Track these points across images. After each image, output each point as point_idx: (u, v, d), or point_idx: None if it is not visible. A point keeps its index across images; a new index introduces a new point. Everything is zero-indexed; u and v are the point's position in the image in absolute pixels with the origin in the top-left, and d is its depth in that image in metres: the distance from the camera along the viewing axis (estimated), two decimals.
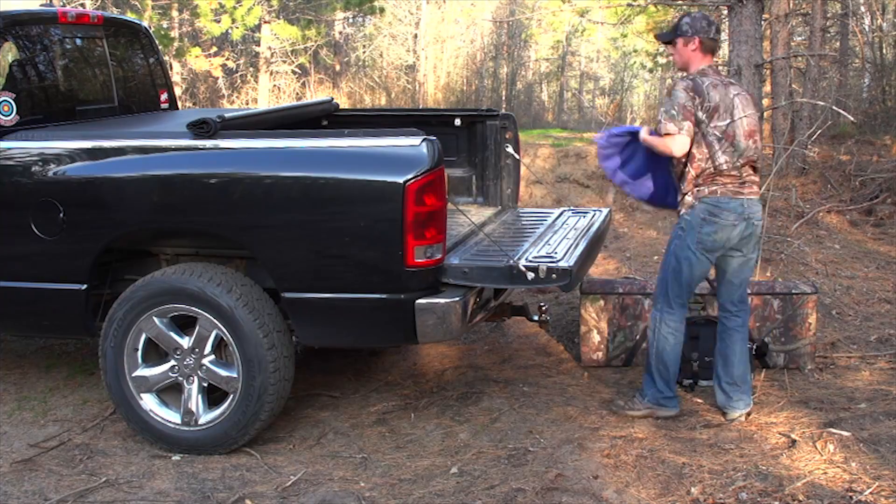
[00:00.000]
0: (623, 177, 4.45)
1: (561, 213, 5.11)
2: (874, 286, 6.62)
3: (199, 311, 3.90)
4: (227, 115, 4.12)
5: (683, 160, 4.13)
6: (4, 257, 4.21)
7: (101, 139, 4.10)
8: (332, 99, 5.73)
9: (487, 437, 4.16)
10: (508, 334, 5.62)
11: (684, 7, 10.13)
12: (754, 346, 4.78)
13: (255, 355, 3.85)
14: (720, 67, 16.40)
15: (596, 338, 4.99)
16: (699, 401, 4.53)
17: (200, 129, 3.89)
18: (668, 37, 4.29)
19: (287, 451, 4.10)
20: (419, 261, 3.73)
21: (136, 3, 14.22)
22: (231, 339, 3.88)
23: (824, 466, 3.72)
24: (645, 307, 4.95)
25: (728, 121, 4.06)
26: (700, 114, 4.05)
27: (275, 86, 16.89)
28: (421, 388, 4.82)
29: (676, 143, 4.05)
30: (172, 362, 4.03)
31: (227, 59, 16.39)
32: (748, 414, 4.28)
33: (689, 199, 4.16)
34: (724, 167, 4.08)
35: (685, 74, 4.21)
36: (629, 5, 10.81)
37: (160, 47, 6.32)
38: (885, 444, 3.89)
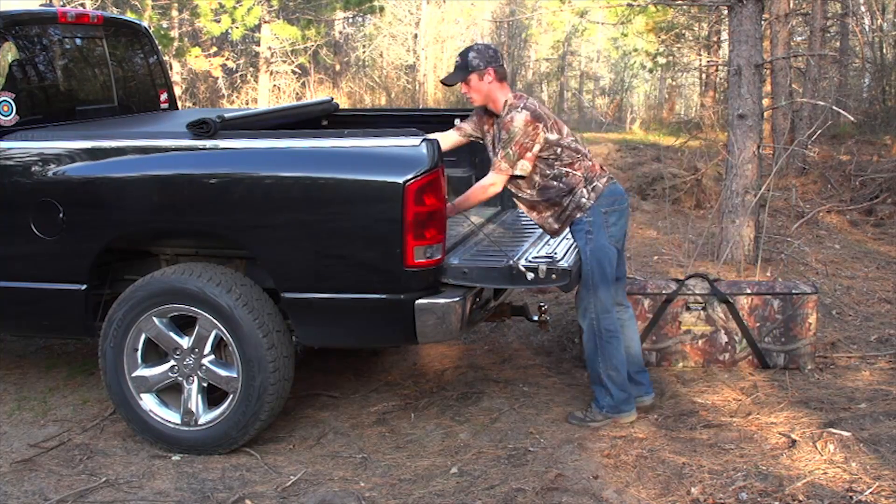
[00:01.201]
0: None
1: None
2: (874, 286, 6.62)
3: (199, 311, 3.90)
4: (226, 115, 4.12)
5: (538, 184, 4.12)
6: (4, 257, 4.20)
7: (101, 139, 4.10)
8: (332, 99, 5.73)
9: (487, 437, 4.16)
10: (508, 334, 5.62)
11: (684, 7, 10.12)
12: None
13: (255, 355, 3.85)
14: (720, 67, 16.39)
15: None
16: (699, 401, 4.52)
17: (200, 129, 3.90)
18: (460, 76, 4.13)
19: (287, 451, 4.10)
20: (419, 261, 3.73)
21: (136, 3, 14.22)
22: (231, 339, 3.88)
23: (824, 466, 3.72)
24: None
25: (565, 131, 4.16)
26: (550, 135, 4.06)
27: (275, 86, 16.89)
28: (421, 388, 4.82)
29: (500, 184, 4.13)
30: (172, 362, 4.03)
31: (227, 59, 16.39)
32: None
33: (584, 200, 4.09)
34: (594, 162, 4.23)
35: (515, 105, 4.08)
36: (629, 5, 10.81)
37: (160, 47, 6.32)
38: (885, 444, 3.89)
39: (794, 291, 4.90)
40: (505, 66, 4.22)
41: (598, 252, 4.11)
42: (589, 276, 4.13)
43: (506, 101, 4.12)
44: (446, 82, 4.28)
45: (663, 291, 4.91)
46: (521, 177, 4.08)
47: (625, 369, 4.25)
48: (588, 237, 4.11)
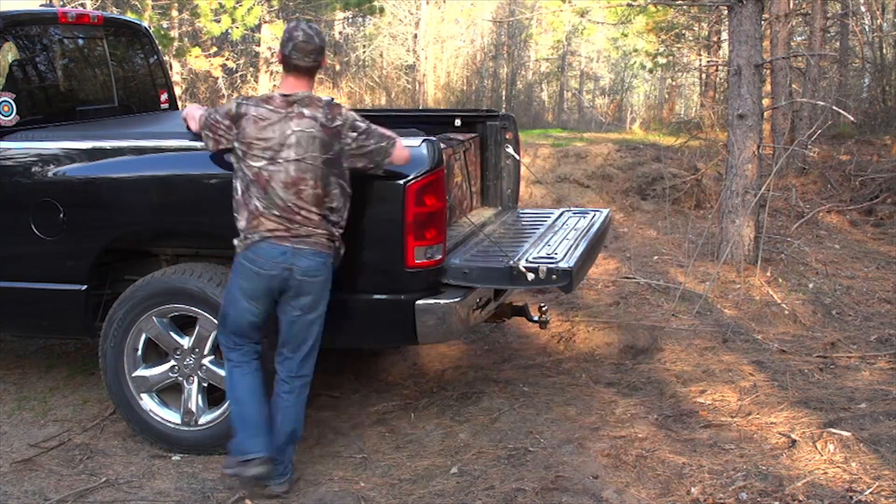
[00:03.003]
0: None
1: (561, 214, 5.10)
2: (874, 286, 6.62)
3: (199, 311, 3.90)
4: None
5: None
6: (4, 257, 4.21)
7: (102, 139, 4.10)
8: (333, 99, 5.71)
9: (487, 437, 4.16)
10: (508, 334, 5.62)
11: (684, 7, 10.13)
12: None
13: None
14: (720, 67, 16.39)
15: None
16: (699, 401, 4.53)
17: None
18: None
19: None
20: (419, 261, 3.73)
21: (136, 3, 14.22)
22: None
23: (824, 466, 3.72)
24: None
25: (263, 162, 3.47)
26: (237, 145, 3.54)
27: (274, 86, 16.89)
28: (421, 388, 4.82)
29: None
30: (172, 362, 4.03)
31: (227, 59, 16.38)
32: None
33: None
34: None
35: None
36: (629, 5, 10.82)
37: (160, 47, 6.32)
38: (885, 444, 3.89)
39: None
40: (299, 56, 3.51)
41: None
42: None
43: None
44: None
45: None
46: None
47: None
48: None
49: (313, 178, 3.46)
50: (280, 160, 3.45)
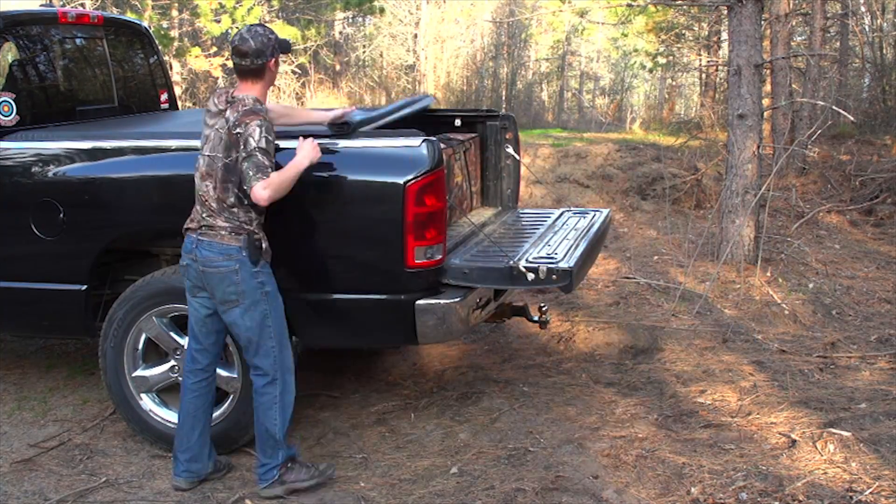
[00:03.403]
0: None
1: (561, 214, 5.10)
2: (874, 286, 6.62)
3: None
4: (359, 117, 4.00)
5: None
6: (4, 257, 4.21)
7: (102, 139, 4.10)
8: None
9: (487, 437, 4.16)
10: (508, 334, 5.62)
11: (684, 7, 10.13)
12: None
13: None
14: (720, 67, 16.39)
15: None
16: (699, 401, 4.53)
17: (340, 128, 3.85)
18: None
19: None
20: (419, 261, 3.73)
21: (136, 3, 14.22)
22: (231, 340, 3.87)
23: (824, 466, 3.72)
24: None
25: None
26: None
27: (275, 86, 16.89)
28: (421, 388, 4.82)
29: None
30: (172, 362, 4.03)
31: (227, 59, 16.37)
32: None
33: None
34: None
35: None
36: (629, 5, 10.81)
37: (160, 47, 6.32)
38: (885, 444, 3.89)
39: None
40: (238, 58, 3.56)
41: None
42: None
43: None
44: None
45: None
46: None
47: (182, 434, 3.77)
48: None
49: (213, 177, 3.53)
50: (201, 154, 3.59)
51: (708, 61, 17.56)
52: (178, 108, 5.86)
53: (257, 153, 3.42)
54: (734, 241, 6.86)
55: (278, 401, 3.65)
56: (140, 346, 4.04)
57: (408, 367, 5.17)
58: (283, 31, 15.66)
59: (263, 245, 3.61)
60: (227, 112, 3.52)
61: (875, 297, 6.34)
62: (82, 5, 12.78)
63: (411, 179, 3.66)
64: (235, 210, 3.53)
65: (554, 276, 3.86)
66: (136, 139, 4.09)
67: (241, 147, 3.45)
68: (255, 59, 3.54)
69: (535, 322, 4.87)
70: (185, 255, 3.62)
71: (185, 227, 3.63)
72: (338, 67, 19.43)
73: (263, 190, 3.40)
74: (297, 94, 17.10)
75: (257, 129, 3.44)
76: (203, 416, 3.75)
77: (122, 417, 4.17)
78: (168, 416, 4.06)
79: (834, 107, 8.24)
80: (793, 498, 3.45)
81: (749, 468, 3.72)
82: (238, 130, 3.46)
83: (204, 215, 3.57)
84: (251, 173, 3.41)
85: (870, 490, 3.48)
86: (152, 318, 3.98)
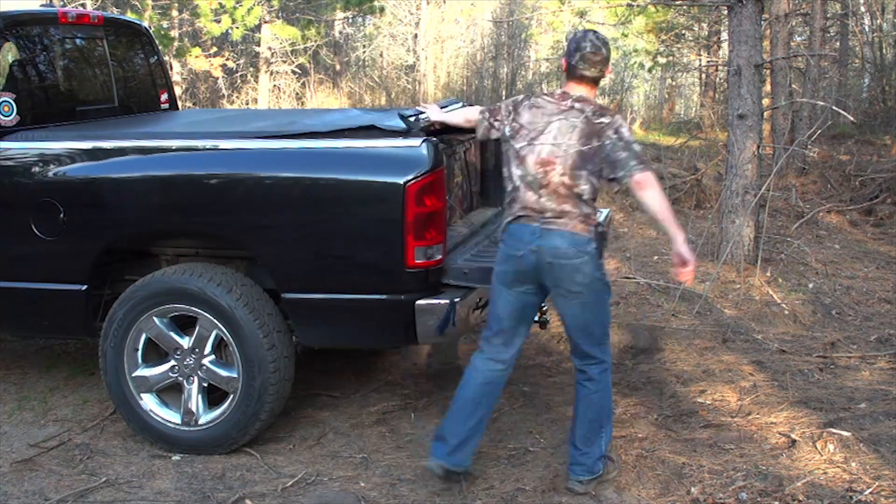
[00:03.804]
0: None
1: None
2: (874, 286, 6.63)
3: (200, 311, 3.90)
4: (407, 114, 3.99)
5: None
6: (5, 257, 4.21)
7: (102, 139, 4.11)
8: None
9: (487, 437, 4.15)
10: None
11: (684, 7, 10.13)
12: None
13: (256, 355, 3.85)
14: (720, 67, 16.37)
15: None
16: (699, 401, 4.53)
17: (407, 122, 3.85)
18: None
19: (287, 451, 4.10)
20: (419, 262, 3.73)
21: (136, 3, 14.22)
22: (231, 340, 3.88)
23: (824, 466, 3.72)
24: None
25: (524, 143, 3.54)
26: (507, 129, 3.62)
27: (275, 86, 16.89)
28: (421, 388, 4.82)
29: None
30: (172, 362, 4.03)
31: (227, 59, 16.38)
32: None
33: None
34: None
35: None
36: (629, 6, 10.81)
37: (160, 47, 6.32)
38: (885, 444, 3.90)
39: None
40: (584, 66, 3.56)
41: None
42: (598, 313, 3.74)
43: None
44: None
45: None
46: None
47: (457, 419, 3.69)
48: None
49: (562, 165, 3.47)
50: (536, 143, 3.51)
51: (708, 61, 17.57)
52: (178, 109, 5.85)
53: (634, 144, 3.52)
54: (734, 241, 6.86)
55: (609, 389, 3.67)
56: (140, 346, 4.04)
57: (408, 367, 5.17)
58: (283, 31, 15.67)
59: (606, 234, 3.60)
60: (577, 105, 3.51)
61: (875, 297, 6.34)
62: (82, 5, 12.78)
63: (411, 179, 3.66)
64: (587, 200, 3.53)
65: None
66: (136, 139, 4.09)
67: (613, 134, 3.47)
68: (603, 66, 3.57)
69: (535, 322, 4.86)
70: (521, 245, 3.49)
71: (517, 215, 3.53)
72: (338, 67, 19.43)
73: (650, 177, 3.48)
74: (297, 94, 17.10)
75: (623, 121, 3.55)
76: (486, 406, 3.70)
77: (123, 417, 4.16)
78: (168, 415, 4.07)
79: (834, 107, 8.24)
80: (793, 498, 3.45)
81: (749, 468, 3.72)
82: (603, 120, 3.49)
83: (551, 204, 3.49)
84: (632, 162, 3.45)
85: (870, 490, 3.48)
86: (152, 318, 3.98)
